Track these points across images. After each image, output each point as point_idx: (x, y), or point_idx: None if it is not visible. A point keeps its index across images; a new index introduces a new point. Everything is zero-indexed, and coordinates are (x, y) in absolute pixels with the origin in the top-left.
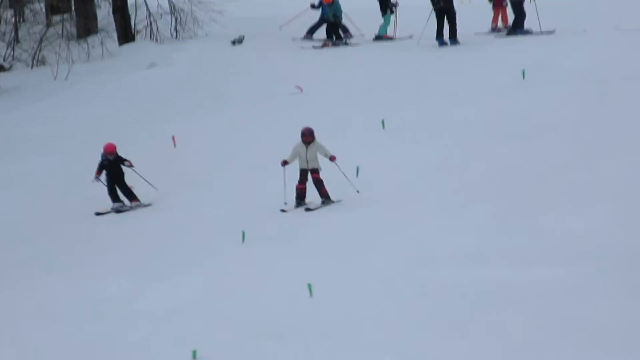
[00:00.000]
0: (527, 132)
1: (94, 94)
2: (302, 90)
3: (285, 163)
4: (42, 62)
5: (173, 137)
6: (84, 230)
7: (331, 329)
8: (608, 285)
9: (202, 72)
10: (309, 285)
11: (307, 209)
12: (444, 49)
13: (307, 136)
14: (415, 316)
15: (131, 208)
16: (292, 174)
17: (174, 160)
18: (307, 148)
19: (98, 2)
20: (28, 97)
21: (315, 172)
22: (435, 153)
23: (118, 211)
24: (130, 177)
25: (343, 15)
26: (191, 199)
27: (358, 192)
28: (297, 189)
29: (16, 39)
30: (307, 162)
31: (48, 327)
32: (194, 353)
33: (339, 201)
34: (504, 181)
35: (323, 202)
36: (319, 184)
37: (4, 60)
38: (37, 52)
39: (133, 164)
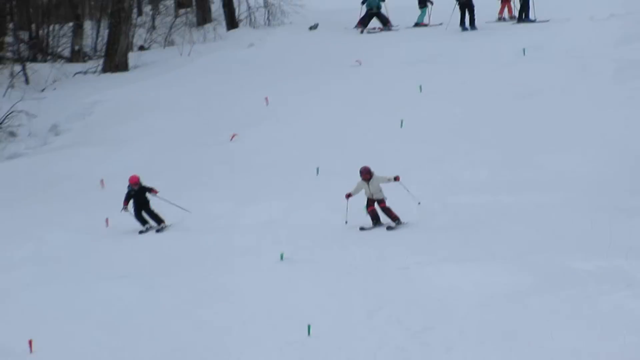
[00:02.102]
0: (524, 94)
1: (208, 66)
2: (360, 63)
3: (349, 196)
4: (172, 43)
5: (266, 98)
6: (199, 164)
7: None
8: (583, 204)
9: (287, 50)
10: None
11: (389, 228)
12: (466, 33)
13: (365, 174)
14: (438, 226)
15: (158, 230)
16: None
17: (266, 117)
18: (368, 184)
19: None
20: (161, 69)
21: (381, 202)
22: (458, 108)
23: (157, 230)
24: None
25: (383, 6)
26: (276, 142)
27: (419, 203)
28: (369, 212)
29: (153, 27)
30: (372, 195)
31: (181, 238)
32: (282, 255)
33: (406, 223)
34: (507, 131)
35: (397, 224)
36: (388, 212)
37: (144, 42)
38: (168, 36)
39: (157, 190)
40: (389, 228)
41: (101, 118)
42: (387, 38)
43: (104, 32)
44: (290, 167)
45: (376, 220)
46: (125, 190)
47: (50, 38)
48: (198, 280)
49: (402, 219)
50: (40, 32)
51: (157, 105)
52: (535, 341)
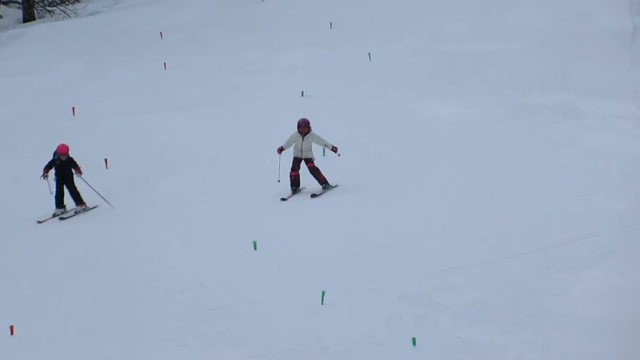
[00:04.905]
0: None
1: None
2: None
3: (281, 150)
4: None
5: None
6: (238, 19)
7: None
8: (541, 51)
9: None
10: (369, 54)
11: (313, 195)
12: None
13: (303, 127)
14: (426, 69)
15: (75, 213)
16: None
17: None
18: (302, 138)
19: None
20: None
21: (309, 161)
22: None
23: (61, 218)
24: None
25: None
26: (299, 3)
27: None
28: (290, 176)
29: None
30: (302, 152)
31: (222, 78)
32: (302, 93)
33: (336, 186)
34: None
35: (324, 188)
36: (315, 172)
37: None
38: None
39: (82, 171)
40: (313, 195)
41: None
42: None
43: None
44: (309, 22)
45: (296, 187)
46: (50, 158)
47: None
48: (237, 109)
49: (330, 181)
50: None
51: None
52: (502, 158)
